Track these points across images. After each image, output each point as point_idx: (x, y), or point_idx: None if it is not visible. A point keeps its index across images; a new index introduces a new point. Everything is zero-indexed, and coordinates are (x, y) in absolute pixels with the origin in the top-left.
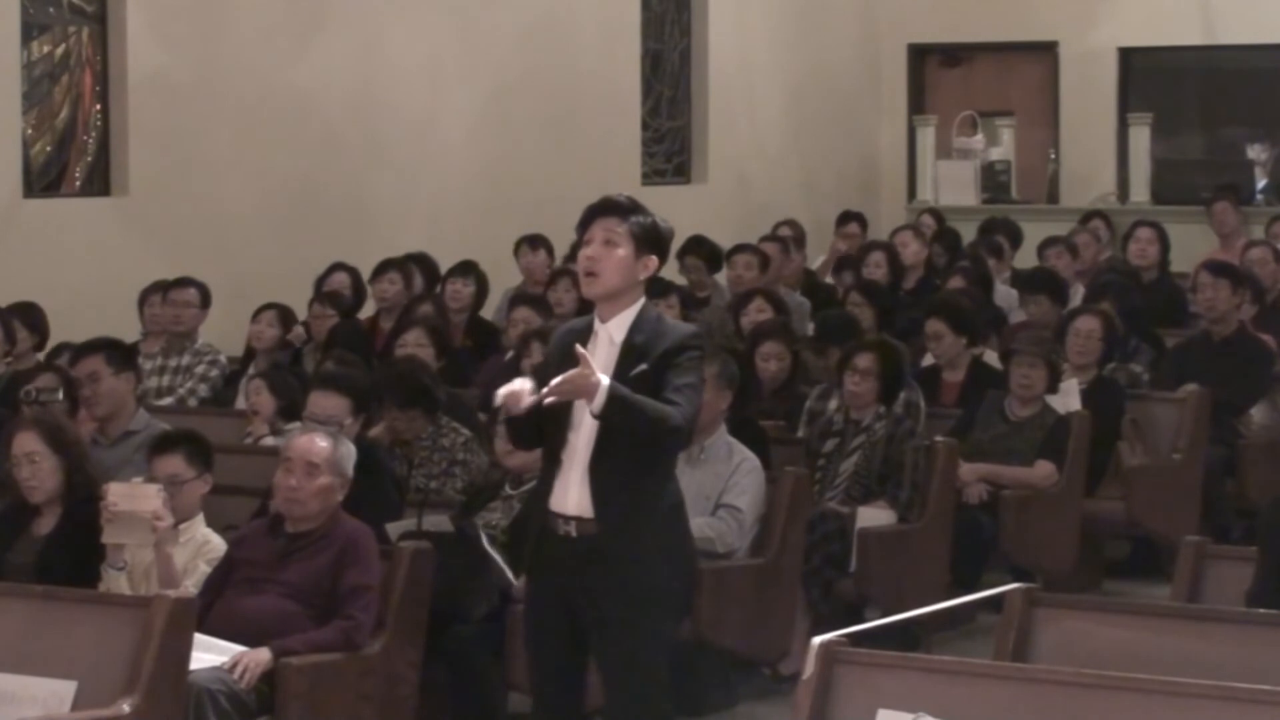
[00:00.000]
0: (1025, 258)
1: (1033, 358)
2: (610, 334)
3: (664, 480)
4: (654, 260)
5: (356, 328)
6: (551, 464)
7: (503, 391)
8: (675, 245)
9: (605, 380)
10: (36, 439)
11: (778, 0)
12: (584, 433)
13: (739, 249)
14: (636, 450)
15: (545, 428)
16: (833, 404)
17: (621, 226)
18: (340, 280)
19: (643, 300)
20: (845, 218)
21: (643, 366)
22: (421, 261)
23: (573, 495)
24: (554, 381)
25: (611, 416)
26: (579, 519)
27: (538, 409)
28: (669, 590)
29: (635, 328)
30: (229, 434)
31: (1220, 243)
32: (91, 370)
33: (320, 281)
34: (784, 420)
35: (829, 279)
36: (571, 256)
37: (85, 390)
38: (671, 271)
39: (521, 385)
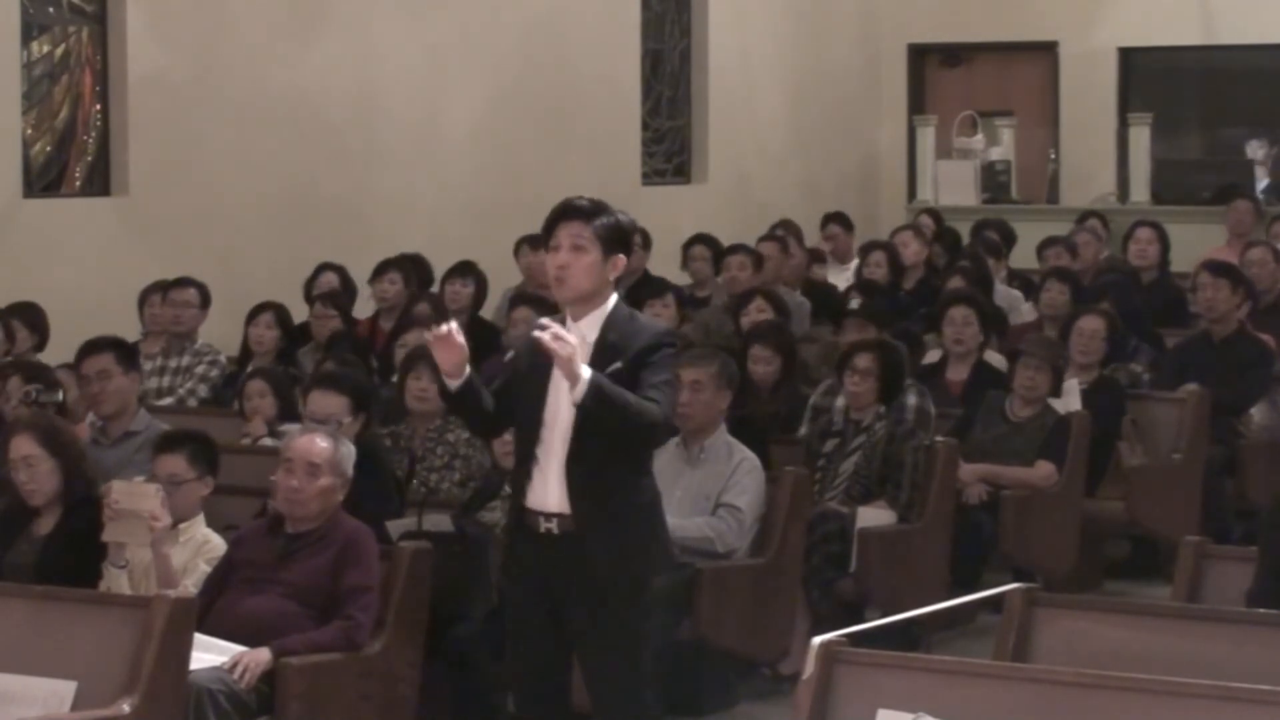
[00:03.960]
0: (1023, 258)
1: (1039, 361)
2: (583, 333)
3: (641, 476)
4: (622, 259)
5: (352, 334)
6: (527, 461)
7: (433, 331)
8: (676, 246)
9: (588, 371)
10: (33, 442)
11: (778, 0)
12: (559, 429)
13: (732, 250)
14: (613, 446)
15: (517, 424)
16: (839, 401)
17: (587, 231)
18: (330, 280)
19: (614, 298)
20: (829, 219)
21: (617, 365)
22: (415, 263)
23: (552, 492)
24: (550, 333)
25: (592, 406)
26: (560, 515)
27: (501, 393)
28: (650, 587)
29: (608, 326)
30: (229, 434)
31: (1232, 241)
32: (102, 368)
33: (309, 284)
34: (778, 421)
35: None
36: None
37: (94, 387)
38: (672, 270)
39: (449, 328)
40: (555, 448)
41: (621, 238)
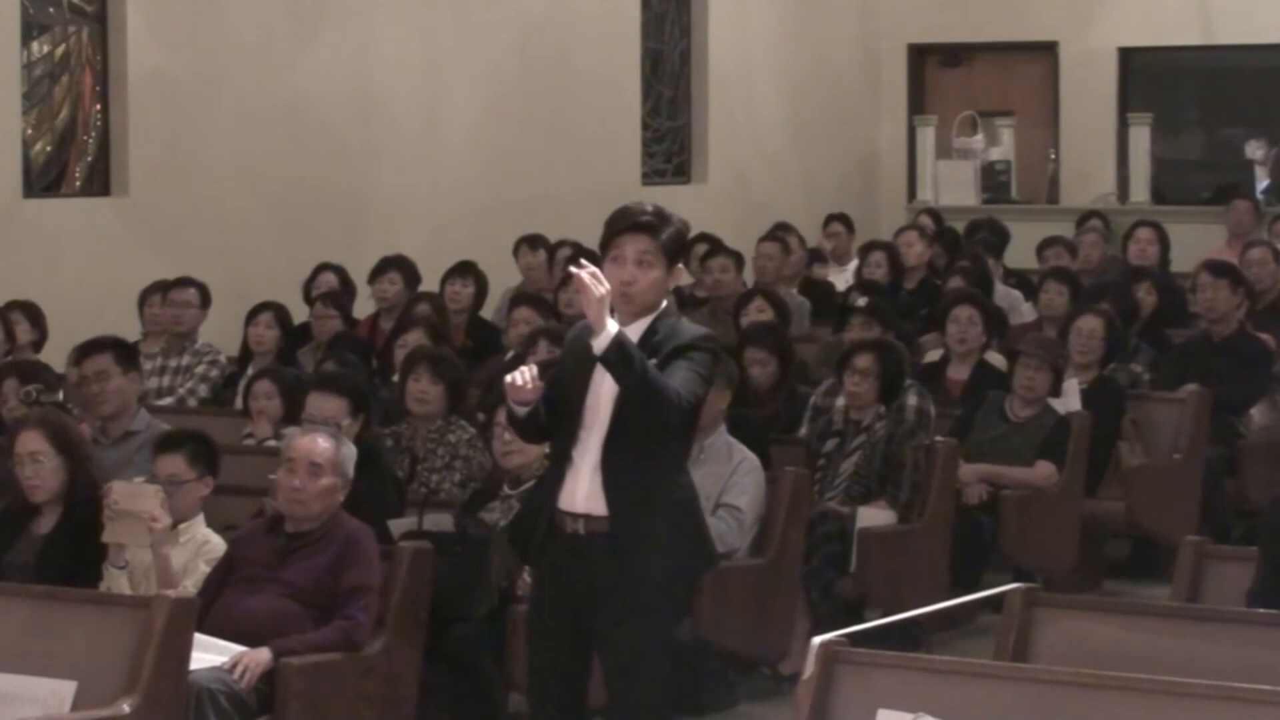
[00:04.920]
0: (1023, 258)
1: (1039, 361)
2: (628, 335)
3: (677, 473)
4: (681, 268)
5: (352, 334)
6: (561, 462)
7: (510, 377)
8: None
9: (614, 325)
10: (41, 438)
11: (778, 0)
12: (597, 429)
13: (712, 252)
14: (648, 439)
15: (556, 424)
16: (839, 401)
17: (654, 246)
18: (329, 280)
19: (665, 304)
20: (831, 219)
21: (652, 361)
22: (404, 265)
23: (582, 493)
24: (589, 272)
25: (613, 359)
26: (587, 516)
27: (543, 402)
28: (676, 590)
29: (652, 329)
30: (229, 434)
31: (1231, 241)
32: (101, 369)
33: (309, 284)
34: (777, 421)
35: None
36: (574, 259)
37: (93, 387)
38: None
39: (529, 372)
40: (590, 449)
41: (683, 246)
